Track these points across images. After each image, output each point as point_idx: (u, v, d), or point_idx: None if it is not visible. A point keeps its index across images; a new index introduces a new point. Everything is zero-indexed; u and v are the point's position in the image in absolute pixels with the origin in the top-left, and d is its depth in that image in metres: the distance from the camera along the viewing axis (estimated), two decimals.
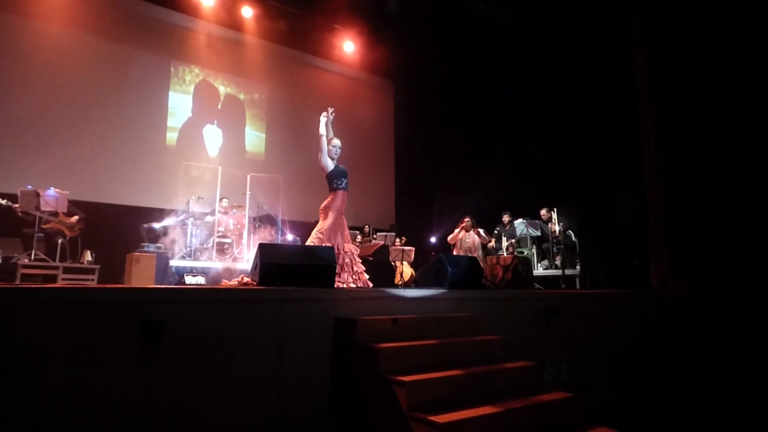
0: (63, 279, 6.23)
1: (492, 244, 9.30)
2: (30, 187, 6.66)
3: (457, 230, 8.81)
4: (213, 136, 10.59)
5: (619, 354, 5.01)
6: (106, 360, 2.52)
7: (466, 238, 8.67)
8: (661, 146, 7.09)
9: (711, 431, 4.32)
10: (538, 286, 7.86)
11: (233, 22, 10.74)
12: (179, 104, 10.24)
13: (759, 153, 6.54)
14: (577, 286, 8.65)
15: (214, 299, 2.98)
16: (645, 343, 5.30)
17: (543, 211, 9.05)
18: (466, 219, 8.76)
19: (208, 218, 8.34)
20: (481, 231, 8.76)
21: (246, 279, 4.45)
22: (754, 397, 5.23)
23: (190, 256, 7.87)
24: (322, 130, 5.28)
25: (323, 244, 4.80)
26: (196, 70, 10.55)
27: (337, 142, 5.33)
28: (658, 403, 5.08)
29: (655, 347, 5.43)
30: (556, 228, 8.81)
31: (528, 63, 10.19)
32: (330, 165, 5.22)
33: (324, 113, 5.37)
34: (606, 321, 5.06)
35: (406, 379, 2.89)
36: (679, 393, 5.29)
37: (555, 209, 8.94)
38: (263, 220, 9.08)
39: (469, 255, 7.60)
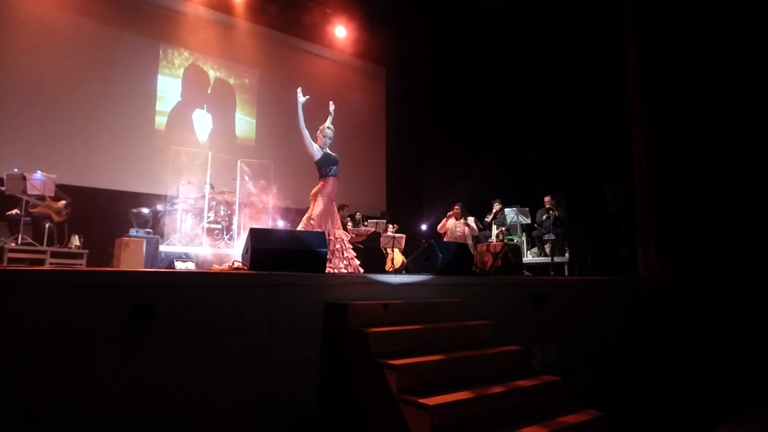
0: (51, 263, 6.17)
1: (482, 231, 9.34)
2: (16, 170, 6.56)
3: (445, 219, 8.81)
4: (203, 121, 10.47)
5: (605, 339, 5.09)
6: (95, 343, 2.51)
7: (456, 227, 8.69)
8: (650, 135, 7.16)
9: (694, 413, 4.43)
10: (527, 273, 7.94)
11: (223, 5, 10.57)
12: (168, 88, 10.10)
13: (743, 142, 6.62)
14: (566, 273, 8.73)
15: (204, 283, 2.97)
16: (631, 328, 5.40)
17: (547, 198, 9.08)
18: (456, 207, 8.77)
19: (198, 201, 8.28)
20: (471, 220, 8.76)
21: (237, 264, 4.44)
22: (736, 380, 5.36)
23: (180, 242, 7.83)
24: (301, 120, 5.05)
25: (314, 230, 4.80)
26: (186, 54, 10.39)
27: (328, 132, 5.27)
28: (643, 387, 5.18)
29: (641, 332, 5.52)
30: (553, 215, 8.87)
31: (519, 51, 10.18)
32: (317, 153, 5.16)
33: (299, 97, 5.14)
34: (593, 307, 5.13)
35: (397, 362, 2.92)
36: (663, 377, 5.40)
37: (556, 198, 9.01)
38: (254, 205, 9.01)
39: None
